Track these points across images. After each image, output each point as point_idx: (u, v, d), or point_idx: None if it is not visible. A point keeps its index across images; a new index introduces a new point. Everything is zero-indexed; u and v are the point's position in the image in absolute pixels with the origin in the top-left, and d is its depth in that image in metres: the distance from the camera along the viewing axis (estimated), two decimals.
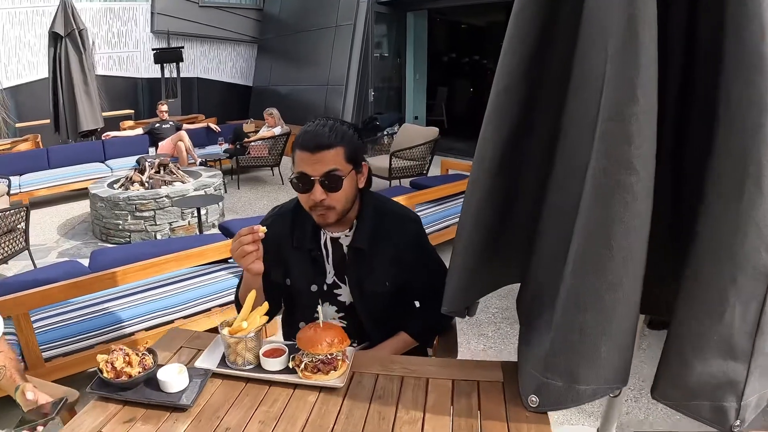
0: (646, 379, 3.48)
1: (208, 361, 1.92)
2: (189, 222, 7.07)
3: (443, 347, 2.35)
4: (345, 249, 2.15)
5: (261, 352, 1.88)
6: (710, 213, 1.37)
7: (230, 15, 14.99)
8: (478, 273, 1.83)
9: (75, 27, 9.61)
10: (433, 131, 8.89)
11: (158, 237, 6.97)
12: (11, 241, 5.73)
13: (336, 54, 12.83)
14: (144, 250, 4.19)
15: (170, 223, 7.02)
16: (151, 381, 1.79)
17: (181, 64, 13.43)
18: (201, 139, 11.27)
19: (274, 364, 1.85)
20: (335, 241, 2.16)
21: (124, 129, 11.41)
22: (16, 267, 6.28)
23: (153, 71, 13.75)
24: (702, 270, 1.40)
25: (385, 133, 11.44)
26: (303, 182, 1.96)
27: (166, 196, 6.93)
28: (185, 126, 10.86)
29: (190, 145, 9.91)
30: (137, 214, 6.87)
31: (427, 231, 5.52)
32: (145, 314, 3.91)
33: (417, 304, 2.38)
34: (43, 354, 3.53)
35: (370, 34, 12.45)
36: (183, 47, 13.37)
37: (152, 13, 13.93)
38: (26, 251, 5.98)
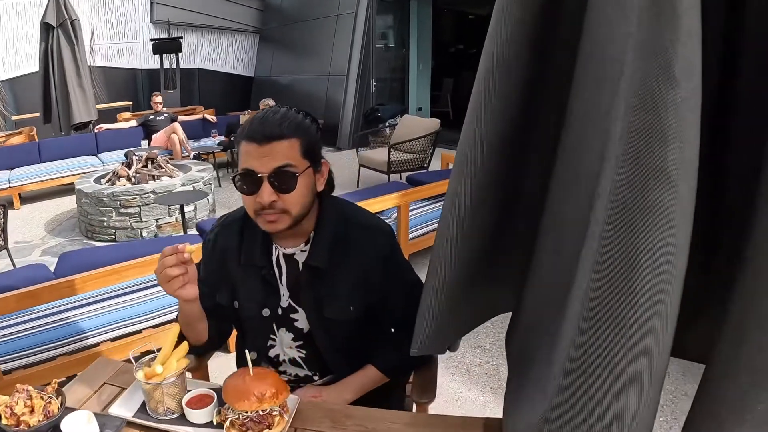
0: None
1: (125, 406, 1.66)
2: (176, 219, 6.79)
3: (420, 384, 1.95)
4: (300, 266, 1.84)
5: (186, 399, 1.62)
6: (764, 234, 0.98)
7: (232, 4, 14.72)
8: (460, 309, 1.53)
9: (67, 17, 9.33)
10: (435, 123, 8.57)
11: (144, 234, 6.74)
12: None
13: (338, 44, 12.59)
14: (116, 254, 3.95)
15: (156, 220, 6.77)
16: (55, 429, 1.54)
17: (181, 54, 13.22)
18: (197, 131, 11.00)
19: (198, 415, 1.59)
20: (289, 257, 1.84)
21: (121, 121, 11.17)
22: (0, 265, 6.06)
23: (153, 62, 13.53)
24: (753, 308, 1.00)
25: (387, 124, 11.15)
26: (248, 181, 1.63)
27: (151, 192, 6.67)
28: (180, 118, 10.64)
29: (184, 137, 9.68)
30: (122, 210, 6.63)
31: (420, 231, 5.28)
32: (111, 323, 3.68)
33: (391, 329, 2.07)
34: (1, 367, 3.30)
35: (373, 24, 12.20)
36: (182, 37, 13.10)
37: (152, 3, 13.63)
38: (5, 250, 5.75)
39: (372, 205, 4.76)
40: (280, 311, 1.88)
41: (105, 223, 6.71)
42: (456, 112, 15.14)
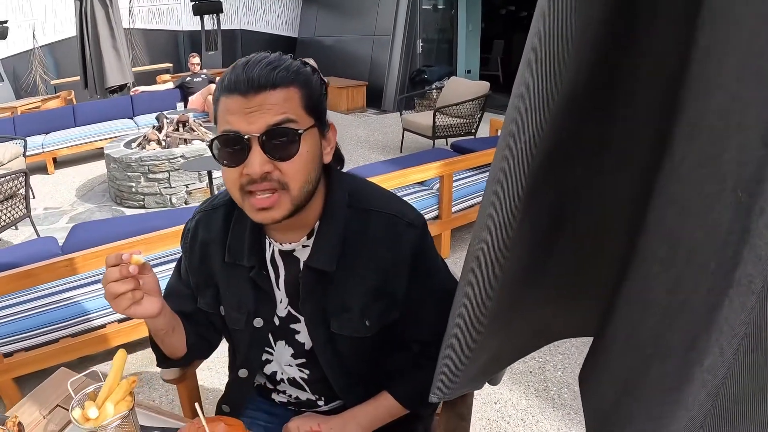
0: None
1: None
2: (206, 184, 6.41)
3: (448, 422, 1.50)
4: (302, 267, 1.38)
5: None
6: None
7: None
8: (505, 331, 1.14)
9: None
10: (484, 86, 7.99)
11: (173, 201, 6.43)
12: (11, 207, 5.35)
13: (383, 3, 12.09)
14: (129, 228, 3.65)
15: (186, 186, 6.44)
16: None
17: (222, 15, 12.92)
18: None
19: None
20: (288, 255, 1.39)
21: (159, 83, 10.91)
22: (27, 233, 5.89)
23: (194, 23, 13.30)
24: None
25: (434, 87, 10.62)
26: (231, 146, 1.17)
27: (181, 156, 6.33)
28: (218, 79, 10.25)
29: None
30: (150, 176, 6.32)
31: (465, 204, 4.80)
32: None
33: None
34: (1, 349, 3.05)
35: None
36: None
37: None
38: (28, 218, 5.58)
39: (412, 175, 4.34)
40: (277, 321, 1.44)
41: (133, 189, 6.41)
42: (507, 76, 14.50)
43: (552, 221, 1.02)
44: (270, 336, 1.47)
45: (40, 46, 12.06)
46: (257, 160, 1.14)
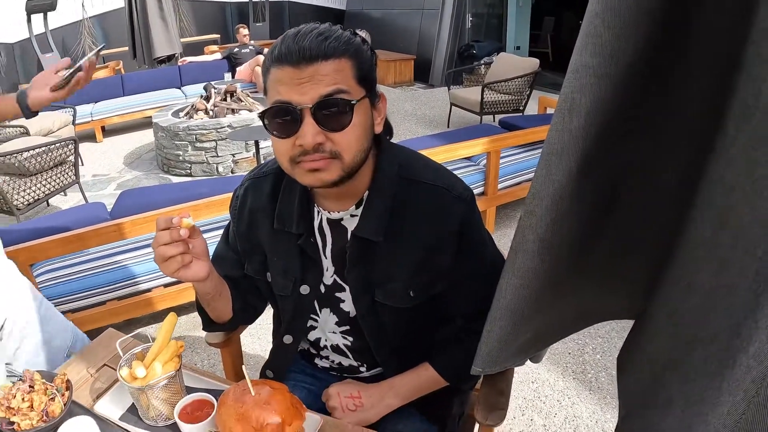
0: None
1: (115, 402, 1.31)
2: (254, 154, 6.43)
3: (486, 401, 1.45)
4: (350, 236, 1.37)
5: (180, 405, 1.23)
6: None
7: None
8: (548, 312, 1.12)
9: None
10: (533, 63, 7.84)
11: (220, 170, 6.47)
12: (61, 174, 5.44)
13: None
14: (176, 194, 3.68)
15: (233, 155, 6.48)
16: None
17: None
18: None
19: (191, 430, 1.19)
20: (335, 224, 1.38)
21: (207, 54, 10.95)
22: (75, 199, 6.01)
23: None
24: None
25: (482, 62, 10.47)
26: (283, 118, 1.16)
27: (228, 126, 6.36)
28: (266, 51, 10.25)
29: None
30: (198, 144, 6.36)
31: (511, 181, 4.74)
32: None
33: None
34: None
35: None
36: None
37: None
38: (77, 184, 5.67)
39: (459, 150, 4.27)
40: (323, 288, 1.45)
41: (180, 158, 6.47)
42: (556, 54, 14.19)
43: (602, 200, 0.99)
44: (315, 303, 1.47)
45: (89, 17, 12.16)
46: (310, 131, 1.14)
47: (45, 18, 11.02)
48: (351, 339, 1.50)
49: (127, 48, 10.44)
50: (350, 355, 1.55)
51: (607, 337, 3.25)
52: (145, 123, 8.95)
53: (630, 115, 0.88)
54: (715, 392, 0.76)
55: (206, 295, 1.39)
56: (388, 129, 1.37)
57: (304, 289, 1.44)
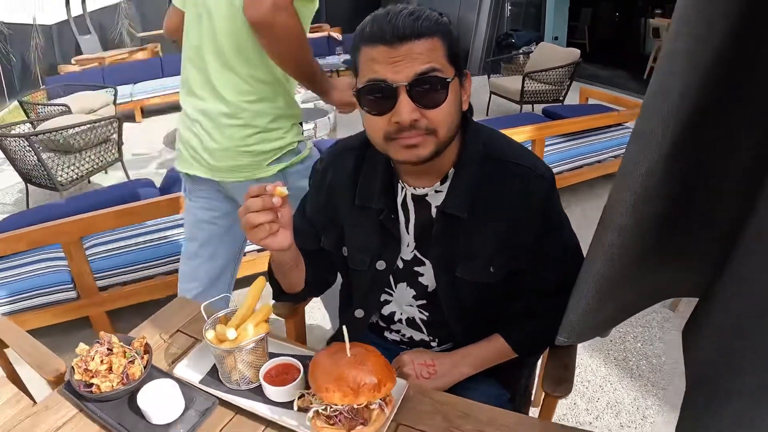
0: None
1: (194, 366, 1.33)
2: None
3: (553, 373, 1.47)
4: (433, 212, 1.39)
5: (265, 369, 1.24)
6: None
7: None
8: (628, 288, 1.15)
9: None
10: (574, 53, 7.75)
11: None
12: (104, 151, 5.53)
13: None
14: None
15: None
16: (133, 397, 1.22)
17: None
18: (321, 48, 10.65)
19: (277, 393, 1.21)
20: (420, 199, 1.39)
21: None
22: (115, 177, 6.09)
23: None
24: None
25: (521, 51, 10.39)
26: (378, 95, 1.19)
27: None
28: (356, 31, 10.29)
29: None
30: None
31: (554, 171, 4.72)
32: None
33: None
34: (98, 283, 3.15)
35: None
36: None
37: None
38: (119, 162, 5.74)
39: None
40: (400, 264, 1.47)
41: None
42: (594, 46, 14.03)
43: (686, 180, 0.99)
44: (391, 278, 1.49)
45: (127, 0, 12.26)
46: (406, 108, 1.17)
47: (83, 0, 11.14)
48: (427, 313, 1.52)
49: (163, 31, 10.53)
50: (424, 330, 1.57)
51: (648, 327, 3.24)
52: None
53: (716, 101, 0.88)
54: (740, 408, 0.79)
55: (284, 265, 1.40)
56: (470, 108, 1.37)
57: (380, 265, 1.47)
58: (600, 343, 3.13)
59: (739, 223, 0.98)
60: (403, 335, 1.61)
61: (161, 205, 3.03)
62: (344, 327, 1.20)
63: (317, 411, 1.12)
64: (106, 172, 6.09)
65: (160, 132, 7.94)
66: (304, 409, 1.16)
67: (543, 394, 1.45)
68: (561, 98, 7.74)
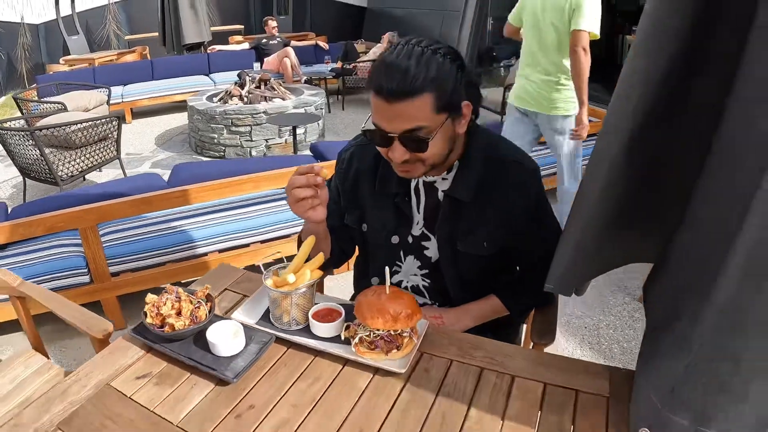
0: None
1: (249, 312, 1.57)
2: (286, 140, 6.74)
3: (539, 327, 1.80)
4: (440, 196, 1.68)
5: (312, 311, 1.49)
6: None
7: None
8: (601, 249, 1.36)
9: None
10: None
11: (253, 153, 6.72)
12: (103, 149, 5.70)
13: None
14: (228, 168, 3.89)
15: (266, 140, 6.72)
16: (200, 336, 1.46)
17: None
18: (308, 56, 10.88)
19: (324, 329, 1.46)
20: (429, 185, 1.69)
21: (233, 44, 11.20)
22: (110, 175, 6.26)
23: None
24: None
25: (502, 64, 10.70)
26: (379, 137, 1.48)
27: (263, 112, 6.61)
28: (293, 43, 10.53)
29: (296, 62, 9.57)
30: (233, 128, 6.61)
31: None
32: (219, 235, 3.63)
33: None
34: (110, 269, 3.34)
35: None
36: None
37: None
38: (117, 160, 5.92)
39: None
40: (410, 239, 1.76)
41: (215, 140, 6.71)
42: None
43: (648, 163, 1.23)
44: (401, 252, 1.78)
45: (114, 2, 12.37)
46: (398, 152, 1.47)
47: (72, 0, 11.26)
48: (429, 281, 1.81)
49: (152, 34, 10.69)
50: (427, 295, 1.84)
51: (619, 316, 3.56)
52: (173, 107, 9.21)
53: (670, 94, 1.13)
54: (690, 327, 1.04)
55: (317, 235, 1.63)
56: (476, 113, 1.60)
57: (395, 239, 1.76)
58: (575, 328, 3.44)
59: (684, 204, 1.23)
60: None
61: (173, 196, 3.27)
62: (386, 268, 1.47)
63: (361, 337, 1.38)
64: (100, 170, 6.24)
65: (152, 132, 8.14)
66: (348, 340, 1.41)
67: (531, 344, 1.74)
68: None
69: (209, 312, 1.49)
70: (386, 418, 1.24)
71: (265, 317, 1.53)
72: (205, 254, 3.60)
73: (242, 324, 1.46)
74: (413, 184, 1.69)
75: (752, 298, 0.92)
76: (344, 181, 1.78)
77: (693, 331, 1.01)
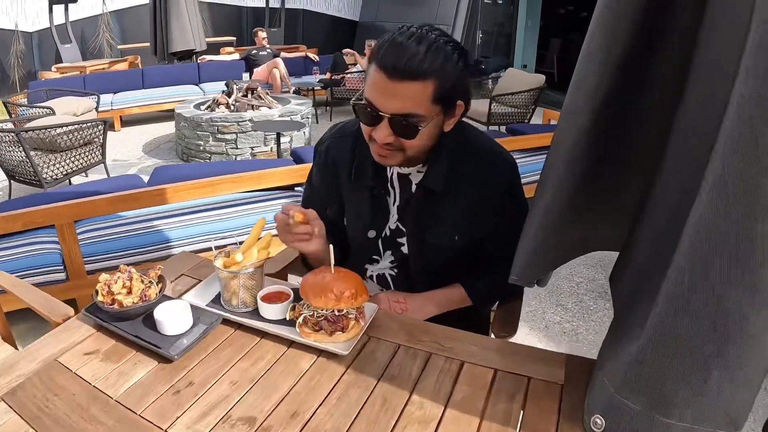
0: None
1: (201, 294, 1.59)
2: (271, 148, 6.80)
3: (502, 317, 1.83)
4: (413, 188, 1.69)
5: (261, 294, 1.51)
6: None
7: None
8: (563, 235, 1.37)
9: None
10: (539, 79, 8.19)
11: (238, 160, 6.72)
12: (88, 153, 5.76)
13: None
14: (209, 170, 3.93)
15: (252, 148, 6.79)
16: (149, 316, 1.47)
17: None
18: (298, 68, 11.00)
19: (270, 311, 1.47)
20: (404, 177, 1.69)
21: (224, 55, 11.28)
22: (95, 179, 6.15)
23: (259, 0, 13.57)
24: None
25: (490, 76, 10.79)
26: (368, 113, 1.46)
27: (249, 120, 6.68)
28: (283, 54, 10.61)
29: (285, 73, 9.65)
30: (219, 136, 6.67)
31: None
32: (195, 236, 3.65)
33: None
34: (86, 267, 3.36)
35: None
36: None
37: None
38: (102, 164, 5.97)
39: None
40: (387, 233, 1.77)
41: (201, 147, 6.76)
42: (561, 74, 14.48)
43: (603, 149, 1.25)
44: (380, 246, 1.79)
45: (109, 12, 12.43)
46: (383, 133, 1.45)
47: (66, 9, 11.30)
48: (396, 271, 1.81)
49: (145, 44, 10.74)
50: (392, 285, 1.84)
51: (599, 321, 3.61)
52: (162, 116, 9.26)
53: (622, 88, 1.16)
54: (647, 309, 1.04)
55: (316, 255, 1.66)
56: (464, 115, 1.61)
57: (371, 233, 1.76)
58: (556, 334, 3.49)
59: (645, 188, 1.26)
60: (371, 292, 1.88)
61: (151, 195, 3.29)
62: (331, 247, 1.47)
63: (305, 317, 1.40)
64: (86, 174, 6.27)
65: (140, 140, 8.18)
66: (293, 321, 1.43)
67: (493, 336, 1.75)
68: (526, 120, 8.14)
69: (159, 292, 1.51)
70: (325, 399, 1.25)
71: (216, 300, 1.55)
72: None
73: (192, 305, 1.48)
74: (389, 174, 1.69)
75: (690, 279, 0.92)
76: (325, 172, 1.79)
77: (648, 316, 1.01)
